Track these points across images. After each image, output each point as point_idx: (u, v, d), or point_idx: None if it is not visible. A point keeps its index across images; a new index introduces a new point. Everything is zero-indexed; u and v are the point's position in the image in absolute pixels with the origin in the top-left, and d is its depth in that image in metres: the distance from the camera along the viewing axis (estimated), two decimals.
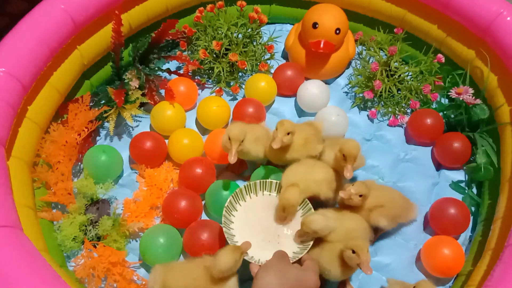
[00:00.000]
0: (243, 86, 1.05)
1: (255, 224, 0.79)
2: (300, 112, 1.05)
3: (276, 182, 0.81)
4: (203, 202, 0.89)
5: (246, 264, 0.71)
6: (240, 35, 1.07)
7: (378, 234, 0.86)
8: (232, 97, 1.07)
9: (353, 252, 0.67)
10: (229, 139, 0.78)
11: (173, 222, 0.84)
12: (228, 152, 0.78)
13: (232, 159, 0.76)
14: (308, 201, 0.79)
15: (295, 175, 0.79)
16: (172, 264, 0.73)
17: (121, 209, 0.87)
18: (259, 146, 0.84)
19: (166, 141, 0.95)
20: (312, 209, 0.78)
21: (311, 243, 0.74)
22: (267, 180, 0.81)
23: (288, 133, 0.78)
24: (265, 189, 0.82)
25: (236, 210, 0.80)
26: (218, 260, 0.66)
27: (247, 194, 0.81)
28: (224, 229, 0.75)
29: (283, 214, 0.78)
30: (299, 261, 0.72)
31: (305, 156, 0.83)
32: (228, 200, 0.78)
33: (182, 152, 0.91)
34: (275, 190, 0.82)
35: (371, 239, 0.82)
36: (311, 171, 0.79)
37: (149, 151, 0.90)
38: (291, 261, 0.70)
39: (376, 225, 0.80)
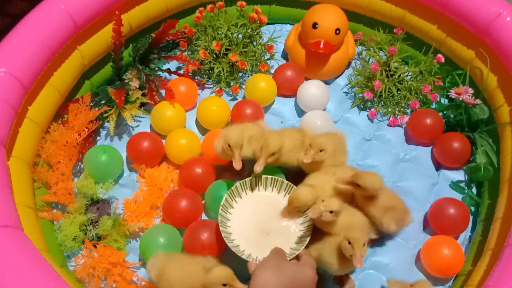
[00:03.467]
0: (243, 86, 1.05)
1: (251, 221, 0.79)
2: (300, 112, 1.05)
3: (272, 178, 0.81)
4: (203, 202, 0.89)
5: (244, 262, 0.71)
6: (240, 35, 1.07)
7: (380, 234, 0.85)
8: (232, 97, 1.07)
9: (349, 243, 0.67)
10: (229, 146, 0.76)
11: (173, 222, 0.84)
12: (231, 158, 0.77)
13: (238, 165, 0.76)
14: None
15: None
16: (174, 254, 0.74)
17: (121, 209, 0.88)
18: (252, 146, 0.81)
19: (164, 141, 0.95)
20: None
21: (308, 239, 0.74)
22: (262, 176, 0.81)
23: (321, 151, 0.77)
24: (261, 185, 0.82)
25: (233, 207, 0.80)
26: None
27: (242, 191, 0.81)
28: (221, 228, 0.75)
29: (286, 210, 0.78)
30: (297, 257, 0.72)
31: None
32: (224, 198, 0.78)
33: (179, 152, 0.91)
34: (270, 186, 0.82)
35: (374, 238, 0.80)
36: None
37: (145, 151, 0.90)
38: (288, 258, 0.70)
39: (386, 228, 0.78)
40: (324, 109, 1.04)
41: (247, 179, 0.81)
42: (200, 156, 0.94)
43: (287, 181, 0.81)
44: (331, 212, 0.70)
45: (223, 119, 0.98)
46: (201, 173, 0.87)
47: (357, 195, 0.77)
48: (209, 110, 0.96)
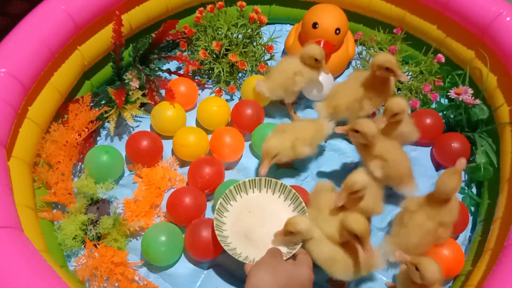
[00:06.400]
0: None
1: (247, 223, 0.79)
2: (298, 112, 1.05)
3: (266, 179, 0.82)
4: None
5: (241, 264, 0.71)
6: (240, 36, 1.07)
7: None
8: (229, 97, 1.07)
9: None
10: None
11: (176, 219, 0.84)
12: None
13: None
14: (299, 196, 0.80)
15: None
16: None
17: (122, 209, 0.88)
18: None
19: (164, 141, 0.95)
20: (303, 203, 0.79)
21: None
22: (256, 178, 0.82)
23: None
24: (255, 187, 0.83)
25: (228, 211, 0.80)
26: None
27: (237, 194, 0.82)
28: (217, 232, 0.75)
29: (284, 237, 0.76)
30: (294, 256, 0.73)
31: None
32: (219, 203, 0.78)
33: (187, 149, 0.92)
34: (265, 188, 0.82)
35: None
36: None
37: (145, 150, 0.90)
38: (285, 257, 0.70)
39: (371, 172, 0.81)
40: None
41: (241, 182, 0.81)
42: (208, 154, 0.94)
43: (281, 182, 0.82)
44: (291, 232, 0.71)
45: (223, 119, 0.98)
46: (210, 173, 0.87)
47: (356, 143, 0.84)
48: (209, 110, 0.96)
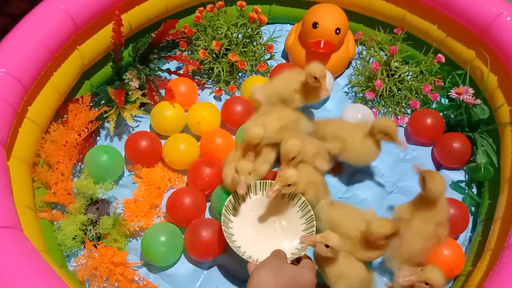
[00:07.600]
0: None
1: (254, 223, 0.79)
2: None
3: None
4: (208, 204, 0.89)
5: (244, 263, 0.71)
6: (240, 35, 1.07)
7: None
8: (229, 96, 1.07)
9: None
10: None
11: (176, 219, 0.84)
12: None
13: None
14: (308, 203, 0.79)
15: None
16: None
17: (121, 209, 0.88)
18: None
19: (163, 141, 0.95)
20: (312, 211, 0.78)
21: None
22: (267, 180, 0.82)
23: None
24: (265, 189, 0.82)
25: (236, 210, 0.80)
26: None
27: (247, 194, 0.81)
28: (223, 228, 0.75)
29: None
30: (298, 260, 0.72)
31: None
32: (228, 200, 0.78)
33: (178, 157, 0.91)
34: None
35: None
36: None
37: (144, 151, 0.90)
38: (289, 260, 0.70)
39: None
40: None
41: (252, 183, 0.81)
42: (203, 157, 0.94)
43: None
44: (327, 246, 0.69)
45: (215, 124, 0.97)
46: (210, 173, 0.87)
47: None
48: (199, 118, 0.96)
